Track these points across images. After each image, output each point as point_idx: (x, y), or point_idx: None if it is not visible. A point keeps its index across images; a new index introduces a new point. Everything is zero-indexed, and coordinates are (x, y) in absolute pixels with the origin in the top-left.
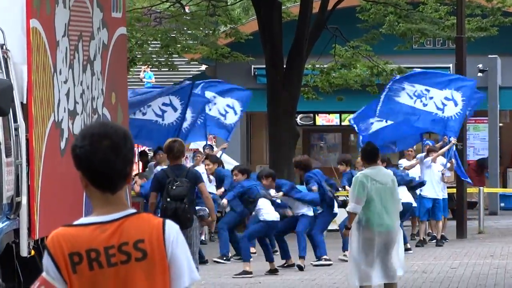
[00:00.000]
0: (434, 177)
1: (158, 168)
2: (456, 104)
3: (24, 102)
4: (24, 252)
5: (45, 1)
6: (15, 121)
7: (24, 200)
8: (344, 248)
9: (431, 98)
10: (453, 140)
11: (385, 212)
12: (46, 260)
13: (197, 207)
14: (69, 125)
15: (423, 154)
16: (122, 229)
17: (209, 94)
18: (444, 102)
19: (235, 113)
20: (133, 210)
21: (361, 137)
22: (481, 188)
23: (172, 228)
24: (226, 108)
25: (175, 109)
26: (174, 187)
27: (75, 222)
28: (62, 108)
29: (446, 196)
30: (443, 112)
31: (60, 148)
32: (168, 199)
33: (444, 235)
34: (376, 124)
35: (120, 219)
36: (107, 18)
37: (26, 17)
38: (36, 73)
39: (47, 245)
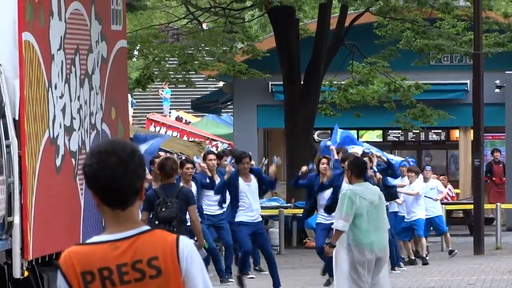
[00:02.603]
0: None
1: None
2: None
3: (16, 118)
4: (17, 274)
5: (39, 14)
6: (7, 137)
7: (16, 219)
8: (329, 272)
9: None
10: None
11: (373, 230)
12: (60, 280)
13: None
14: (65, 142)
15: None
16: (135, 246)
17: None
18: None
19: None
20: (147, 227)
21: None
22: (498, 204)
23: (186, 244)
24: None
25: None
26: (163, 209)
27: (88, 241)
28: (58, 124)
29: (423, 217)
30: None
31: (56, 165)
32: (156, 222)
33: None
34: None
35: (133, 236)
36: (106, 31)
37: (18, 30)
38: (29, 88)
39: (60, 264)
